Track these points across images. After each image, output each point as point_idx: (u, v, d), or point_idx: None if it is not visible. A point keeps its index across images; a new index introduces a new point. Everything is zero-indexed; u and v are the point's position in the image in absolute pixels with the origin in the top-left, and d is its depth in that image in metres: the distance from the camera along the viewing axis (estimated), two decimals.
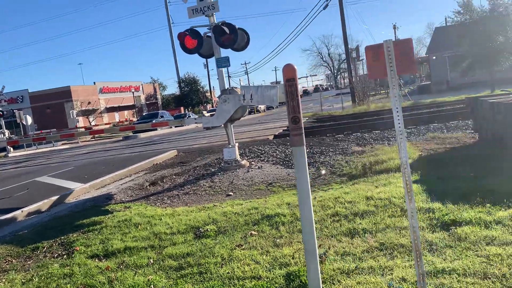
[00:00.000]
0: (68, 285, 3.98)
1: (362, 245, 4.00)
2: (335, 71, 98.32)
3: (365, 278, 3.33)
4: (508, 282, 3.01)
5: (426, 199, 4.96)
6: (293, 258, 3.90)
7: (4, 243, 5.66)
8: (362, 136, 11.55)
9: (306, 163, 2.95)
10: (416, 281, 3.03)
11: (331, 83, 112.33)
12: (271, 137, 14.78)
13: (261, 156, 10.13)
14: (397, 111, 2.87)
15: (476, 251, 3.54)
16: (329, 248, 4.03)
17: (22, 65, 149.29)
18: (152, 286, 3.71)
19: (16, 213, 7.24)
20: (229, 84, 12.82)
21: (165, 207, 6.79)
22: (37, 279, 4.25)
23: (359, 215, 4.79)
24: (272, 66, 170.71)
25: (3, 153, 29.82)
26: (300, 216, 5.06)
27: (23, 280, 4.27)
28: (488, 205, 4.47)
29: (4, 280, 4.35)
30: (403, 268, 3.41)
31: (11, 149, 29.15)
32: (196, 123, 11.10)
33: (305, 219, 2.94)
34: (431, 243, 3.80)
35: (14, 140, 22.99)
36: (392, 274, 3.33)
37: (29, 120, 33.02)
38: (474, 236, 3.79)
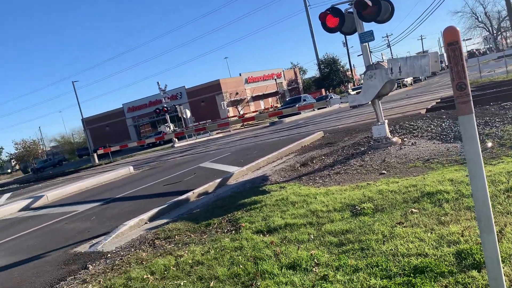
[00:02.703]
0: (240, 257, 4.39)
1: None
2: (495, 32, 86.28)
3: None
4: None
5: None
6: (462, 236, 3.64)
7: (183, 220, 6.51)
8: None
9: (476, 132, 2.71)
10: None
11: (490, 45, 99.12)
12: (423, 111, 13.82)
13: (413, 131, 9.57)
14: None
15: None
16: (505, 225, 3.65)
17: (177, 65, 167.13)
18: (315, 260, 3.86)
19: (189, 194, 8.23)
20: (371, 59, 12.23)
21: (318, 187, 6.94)
22: (213, 251, 4.78)
23: None
24: (417, 35, 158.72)
25: (170, 144, 33.98)
26: (466, 193, 4.68)
27: (201, 252, 4.86)
28: None
29: (187, 251, 5.01)
30: None
31: (176, 140, 33.04)
32: (341, 102, 10.98)
33: (478, 193, 2.70)
34: None
35: (180, 132, 26.01)
36: None
37: (188, 113, 36.86)
38: None
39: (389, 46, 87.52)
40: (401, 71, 7.92)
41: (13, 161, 77.42)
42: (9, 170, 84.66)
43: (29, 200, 13.23)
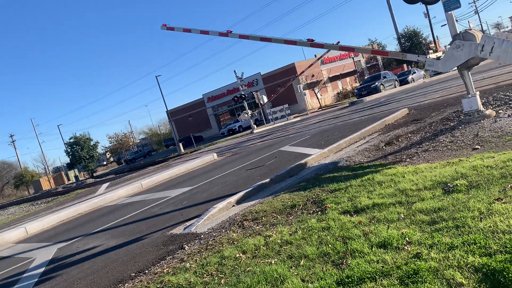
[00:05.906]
0: (328, 237, 4.44)
1: None
2: None
3: None
4: None
5: None
6: None
7: (268, 202, 6.68)
8: None
9: None
10: None
11: None
12: None
13: (510, 102, 8.82)
14: None
15: None
16: None
17: (252, 51, 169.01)
18: (407, 238, 3.78)
19: (272, 177, 8.40)
20: (457, 28, 11.30)
21: (406, 165, 6.70)
22: (300, 232, 4.88)
23: None
24: None
25: (249, 131, 34.69)
26: None
27: (289, 232, 4.98)
28: None
29: (275, 231, 5.16)
30: None
31: (255, 126, 33.62)
32: (417, 59, 10.03)
33: None
34: None
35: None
36: None
37: (265, 99, 37.23)
38: None
39: (476, 12, 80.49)
40: (492, 52, 7.26)
41: (108, 154, 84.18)
42: (104, 162, 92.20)
43: (126, 188, 14.39)
